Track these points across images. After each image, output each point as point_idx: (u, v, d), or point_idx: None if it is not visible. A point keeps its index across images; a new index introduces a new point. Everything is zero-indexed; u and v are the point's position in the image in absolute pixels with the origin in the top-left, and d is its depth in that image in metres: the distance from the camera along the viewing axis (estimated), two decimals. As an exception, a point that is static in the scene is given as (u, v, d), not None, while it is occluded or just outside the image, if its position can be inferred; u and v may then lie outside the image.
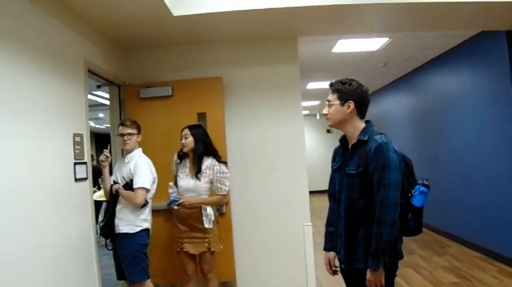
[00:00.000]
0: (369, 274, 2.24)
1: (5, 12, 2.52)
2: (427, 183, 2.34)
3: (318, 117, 13.66)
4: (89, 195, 3.50)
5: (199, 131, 3.70)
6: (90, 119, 9.21)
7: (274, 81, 4.58)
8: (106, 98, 7.27)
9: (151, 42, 4.47)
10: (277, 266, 4.51)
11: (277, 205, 4.54)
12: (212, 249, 3.62)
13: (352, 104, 2.37)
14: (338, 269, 2.60)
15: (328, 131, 14.56)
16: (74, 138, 3.27)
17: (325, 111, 2.45)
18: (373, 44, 5.68)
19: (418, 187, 2.33)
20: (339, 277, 4.89)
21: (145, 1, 3.36)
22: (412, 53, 6.32)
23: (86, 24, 3.64)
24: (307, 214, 4.53)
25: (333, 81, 2.45)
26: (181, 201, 3.55)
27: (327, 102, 2.43)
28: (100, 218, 3.40)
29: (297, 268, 4.48)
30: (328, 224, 2.64)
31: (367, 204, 2.27)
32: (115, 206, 3.45)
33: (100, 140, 3.75)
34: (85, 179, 3.42)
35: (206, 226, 3.57)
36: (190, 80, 4.39)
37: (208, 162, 3.64)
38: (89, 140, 3.56)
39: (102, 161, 3.51)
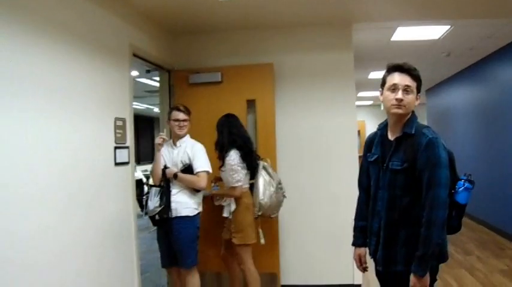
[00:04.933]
0: (414, 279, 2.03)
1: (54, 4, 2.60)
2: (471, 179, 2.15)
3: (382, 108, 13.21)
4: (130, 179, 3.50)
5: (219, 122, 3.68)
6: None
7: (327, 69, 4.40)
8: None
9: (199, 28, 4.40)
10: (323, 261, 4.38)
11: (325, 198, 4.39)
12: (233, 240, 3.56)
13: (419, 98, 2.20)
14: (368, 266, 2.44)
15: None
16: (115, 123, 3.27)
17: (400, 96, 2.10)
18: (434, 32, 5.32)
19: (462, 182, 2.14)
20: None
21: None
22: (476, 43, 5.85)
23: (133, 9, 3.63)
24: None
25: (407, 64, 2.15)
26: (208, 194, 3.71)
27: (405, 87, 2.11)
28: (155, 203, 3.39)
29: (344, 264, 4.29)
30: (358, 218, 2.45)
31: (410, 202, 2.09)
32: (169, 190, 3.39)
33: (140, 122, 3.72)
34: (127, 163, 3.42)
35: (224, 215, 3.68)
36: (240, 66, 4.30)
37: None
38: (132, 124, 3.54)
39: (159, 144, 3.44)
